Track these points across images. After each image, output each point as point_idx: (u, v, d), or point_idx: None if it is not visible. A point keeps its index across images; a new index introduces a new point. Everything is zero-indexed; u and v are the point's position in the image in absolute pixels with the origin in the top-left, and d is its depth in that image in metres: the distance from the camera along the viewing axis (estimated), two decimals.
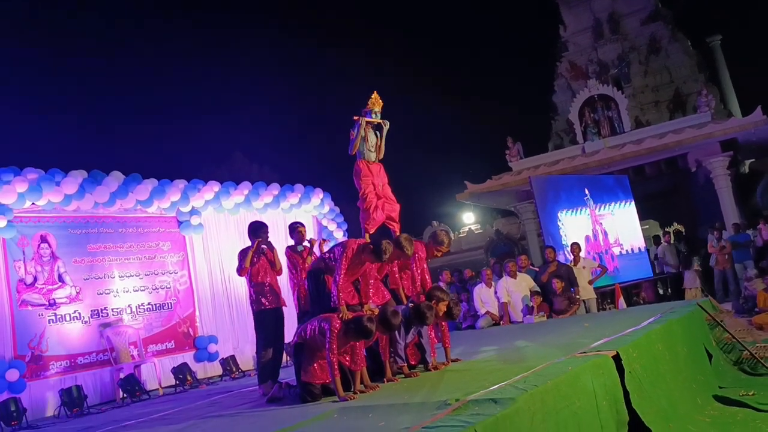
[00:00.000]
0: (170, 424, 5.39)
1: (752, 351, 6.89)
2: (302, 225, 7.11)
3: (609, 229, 14.24)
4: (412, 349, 5.87)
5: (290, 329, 6.58)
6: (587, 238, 13.41)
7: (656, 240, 16.66)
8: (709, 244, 13.86)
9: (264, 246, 6.62)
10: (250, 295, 6.58)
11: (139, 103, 40.62)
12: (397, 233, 6.13)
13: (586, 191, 14.11)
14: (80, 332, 9.42)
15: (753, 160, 19.52)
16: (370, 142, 6.39)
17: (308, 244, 6.95)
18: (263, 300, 6.46)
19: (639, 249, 14.85)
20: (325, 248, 7.21)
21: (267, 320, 6.45)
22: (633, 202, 15.11)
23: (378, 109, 6.42)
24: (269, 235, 6.77)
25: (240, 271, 6.55)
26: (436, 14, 47.77)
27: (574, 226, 13.30)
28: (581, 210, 13.88)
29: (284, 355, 7.28)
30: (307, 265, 6.62)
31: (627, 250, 14.48)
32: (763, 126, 15.96)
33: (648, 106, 21.00)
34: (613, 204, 14.67)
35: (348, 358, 5.08)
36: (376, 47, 42.75)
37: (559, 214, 13.33)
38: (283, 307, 6.64)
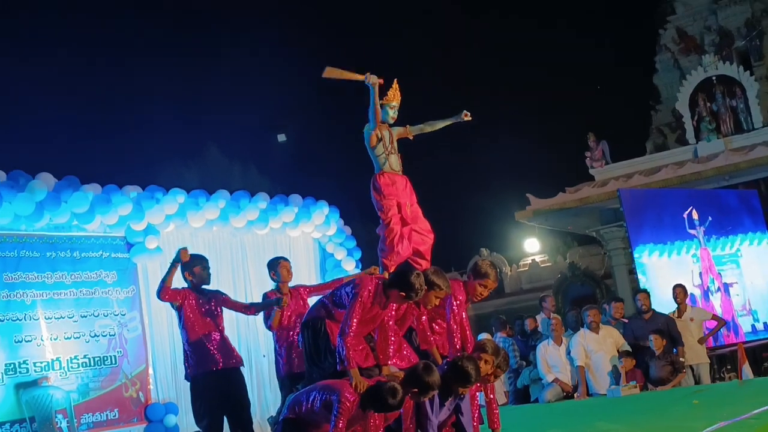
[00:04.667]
0: None
1: None
2: (287, 260, 7.24)
3: (731, 283, 14.04)
4: (448, 430, 5.86)
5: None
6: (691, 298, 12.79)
7: None
8: None
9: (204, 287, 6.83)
10: (184, 351, 6.73)
11: (77, 83, 40.82)
12: None
13: (694, 213, 13.92)
14: None
15: None
16: (387, 142, 6.45)
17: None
18: (199, 361, 6.57)
19: None
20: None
21: (207, 390, 6.53)
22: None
23: (396, 103, 6.56)
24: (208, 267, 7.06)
25: (159, 292, 6.73)
26: None
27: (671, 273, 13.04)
28: (685, 244, 13.69)
29: None
30: (287, 314, 6.75)
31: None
32: None
33: None
34: (735, 238, 14.44)
35: None
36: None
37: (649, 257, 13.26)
38: (240, 367, 6.74)
